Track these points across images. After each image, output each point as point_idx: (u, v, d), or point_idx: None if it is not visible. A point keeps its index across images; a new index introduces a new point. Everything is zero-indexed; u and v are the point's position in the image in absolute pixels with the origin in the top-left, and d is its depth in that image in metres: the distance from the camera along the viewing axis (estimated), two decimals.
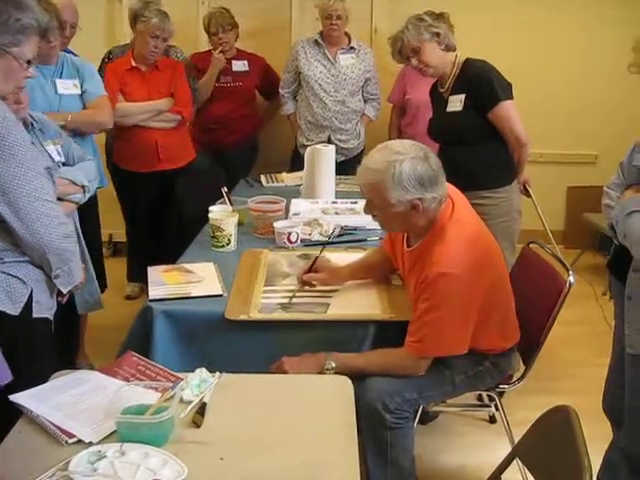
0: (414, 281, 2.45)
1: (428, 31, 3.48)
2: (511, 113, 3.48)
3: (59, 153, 2.89)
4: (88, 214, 3.55)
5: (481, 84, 3.45)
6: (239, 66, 5.08)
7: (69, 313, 2.91)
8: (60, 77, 3.53)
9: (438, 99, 3.71)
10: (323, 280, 2.79)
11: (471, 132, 3.52)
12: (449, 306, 2.33)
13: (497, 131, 3.51)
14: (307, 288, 2.76)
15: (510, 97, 3.47)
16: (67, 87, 3.54)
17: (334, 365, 2.40)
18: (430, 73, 3.62)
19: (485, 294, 2.39)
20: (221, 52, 4.97)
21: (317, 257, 2.84)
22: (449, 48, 3.57)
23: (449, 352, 2.44)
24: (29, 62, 2.19)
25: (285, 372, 2.37)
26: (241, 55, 5.18)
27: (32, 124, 2.82)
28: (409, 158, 2.30)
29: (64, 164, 2.91)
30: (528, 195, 3.85)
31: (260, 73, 5.25)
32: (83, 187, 2.80)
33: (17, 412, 1.91)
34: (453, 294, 2.32)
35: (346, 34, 4.93)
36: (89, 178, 2.86)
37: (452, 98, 3.57)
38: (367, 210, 2.48)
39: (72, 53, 3.93)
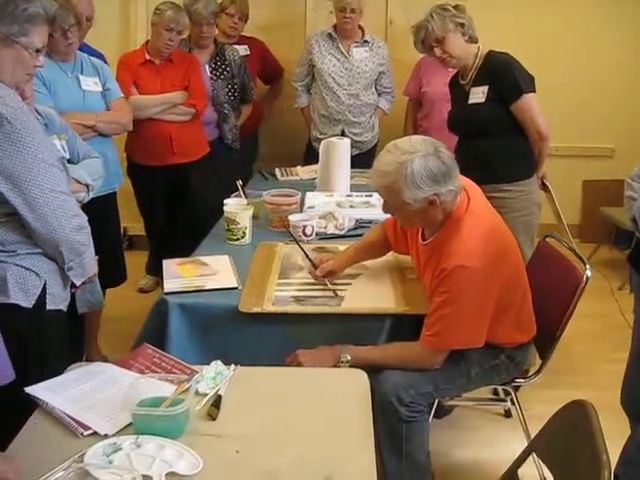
0: (430, 274, 2.43)
1: (453, 21, 3.44)
2: (533, 106, 3.43)
3: (64, 149, 2.84)
4: (107, 208, 3.57)
5: (504, 76, 3.41)
6: (240, 50, 5.00)
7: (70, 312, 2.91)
8: (81, 74, 3.54)
9: (459, 91, 3.67)
10: (330, 266, 2.76)
11: (492, 124, 3.47)
12: (466, 299, 2.31)
13: (518, 124, 3.47)
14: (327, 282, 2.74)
15: (533, 90, 3.43)
16: (89, 84, 3.55)
17: (349, 358, 2.39)
18: (453, 64, 3.57)
19: (502, 287, 2.37)
20: (227, 35, 4.97)
21: (307, 255, 2.86)
22: (472, 39, 3.53)
23: (465, 345, 2.43)
24: (38, 51, 2.18)
25: (300, 365, 2.36)
26: (241, 40, 5.14)
27: (37, 118, 2.79)
28: (419, 156, 2.27)
29: (69, 161, 2.87)
30: (546, 190, 3.81)
31: (260, 57, 5.24)
32: (87, 186, 2.77)
33: (33, 404, 1.91)
34: (470, 287, 2.30)
35: (360, 27, 4.89)
36: (93, 177, 2.80)
37: (474, 90, 3.52)
38: (385, 210, 2.48)
39: (89, 47, 3.93)
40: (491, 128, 3.48)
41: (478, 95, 3.49)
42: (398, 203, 2.34)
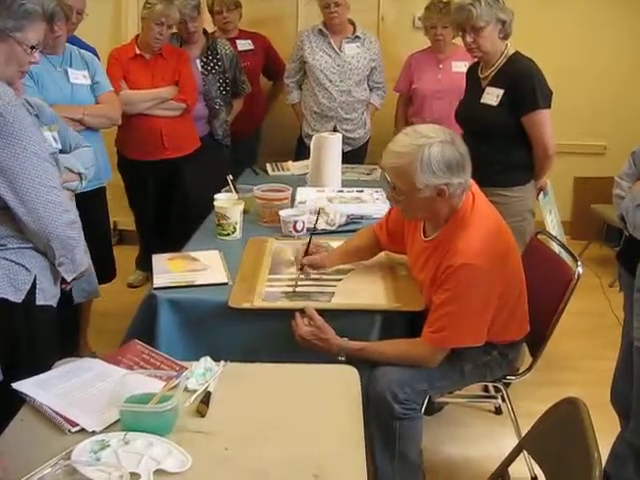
0: (433, 271, 2.41)
1: (497, 15, 3.34)
2: (546, 122, 3.37)
3: (55, 139, 2.81)
4: (96, 203, 3.54)
5: (524, 85, 3.33)
6: (244, 45, 5.01)
7: (66, 301, 2.89)
8: (70, 67, 3.51)
9: (474, 83, 3.59)
10: (314, 262, 2.76)
11: (499, 131, 3.40)
12: (470, 297, 2.30)
13: (525, 135, 3.41)
14: (304, 277, 2.73)
15: (549, 106, 3.37)
16: (77, 77, 3.53)
17: (343, 359, 2.37)
18: (479, 56, 3.49)
19: (503, 286, 2.37)
20: (224, 31, 4.94)
21: (309, 241, 2.81)
22: (505, 37, 3.44)
23: (467, 343, 2.41)
24: (33, 47, 2.17)
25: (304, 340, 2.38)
26: (244, 34, 5.12)
27: (28, 110, 2.77)
28: (437, 142, 2.26)
29: (61, 151, 2.85)
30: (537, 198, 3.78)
31: (264, 52, 5.22)
32: (80, 175, 2.75)
33: (20, 400, 1.89)
34: (475, 285, 2.30)
35: (351, 23, 4.85)
36: (86, 165, 2.79)
37: (489, 90, 3.44)
38: (392, 196, 2.45)
39: (78, 40, 3.91)
40: (497, 134, 3.41)
41: (492, 97, 3.41)
42: (407, 188, 2.32)
